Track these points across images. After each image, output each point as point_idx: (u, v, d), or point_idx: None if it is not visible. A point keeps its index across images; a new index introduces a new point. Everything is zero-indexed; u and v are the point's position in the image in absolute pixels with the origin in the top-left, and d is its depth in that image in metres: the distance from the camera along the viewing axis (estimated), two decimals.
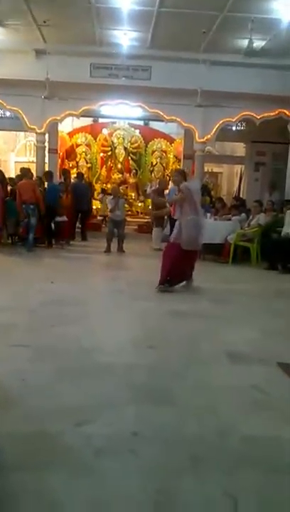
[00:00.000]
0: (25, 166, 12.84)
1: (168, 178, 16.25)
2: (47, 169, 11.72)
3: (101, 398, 2.99)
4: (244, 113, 11.49)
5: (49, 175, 10.95)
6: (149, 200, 15.35)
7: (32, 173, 10.33)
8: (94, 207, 14.61)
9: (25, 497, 2.07)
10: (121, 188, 15.77)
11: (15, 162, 15.97)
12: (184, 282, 6.39)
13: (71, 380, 3.27)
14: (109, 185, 15.85)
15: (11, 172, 14.19)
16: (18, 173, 12.25)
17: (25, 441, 2.48)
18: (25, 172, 10.06)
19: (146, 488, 2.15)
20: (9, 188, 10.44)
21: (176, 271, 6.17)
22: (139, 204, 15.82)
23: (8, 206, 9.77)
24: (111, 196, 10.14)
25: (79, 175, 12.62)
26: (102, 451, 2.40)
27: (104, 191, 15.13)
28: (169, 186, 13.80)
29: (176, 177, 6.62)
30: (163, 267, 6.18)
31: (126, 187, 15.96)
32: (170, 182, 15.49)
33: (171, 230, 10.64)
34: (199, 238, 6.33)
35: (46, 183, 10.78)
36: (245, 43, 8.92)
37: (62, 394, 3.04)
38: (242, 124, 13.27)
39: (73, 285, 6.49)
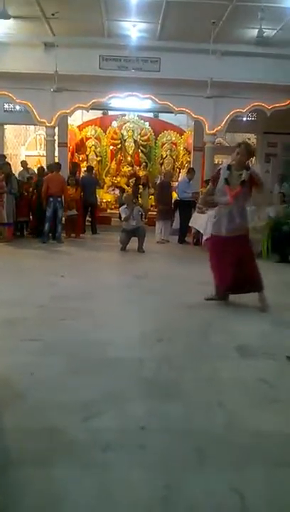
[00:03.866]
0: (36, 159, 12.92)
1: (178, 170, 16.15)
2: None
3: (109, 392, 2.99)
4: (254, 104, 11.39)
5: (43, 170, 11.25)
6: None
7: (60, 167, 10.67)
8: (103, 200, 14.58)
9: (31, 492, 2.07)
10: (130, 180, 15.71)
11: (26, 156, 16.01)
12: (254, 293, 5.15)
13: (80, 374, 3.27)
14: (118, 178, 15.79)
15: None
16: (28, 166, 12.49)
17: (32, 436, 2.49)
18: (54, 166, 10.53)
19: (154, 482, 2.14)
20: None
21: (228, 272, 5.03)
22: (149, 197, 15.74)
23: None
24: (125, 205, 9.33)
25: (89, 168, 12.63)
26: (110, 445, 2.40)
27: (118, 188, 15.15)
28: (179, 179, 13.56)
29: (243, 155, 4.91)
30: (215, 272, 5.22)
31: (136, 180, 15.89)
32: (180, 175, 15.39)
33: (181, 224, 10.62)
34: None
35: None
36: (255, 32, 8.80)
37: (70, 388, 3.05)
38: (252, 114, 13.13)
39: (83, 279, 6.51)
